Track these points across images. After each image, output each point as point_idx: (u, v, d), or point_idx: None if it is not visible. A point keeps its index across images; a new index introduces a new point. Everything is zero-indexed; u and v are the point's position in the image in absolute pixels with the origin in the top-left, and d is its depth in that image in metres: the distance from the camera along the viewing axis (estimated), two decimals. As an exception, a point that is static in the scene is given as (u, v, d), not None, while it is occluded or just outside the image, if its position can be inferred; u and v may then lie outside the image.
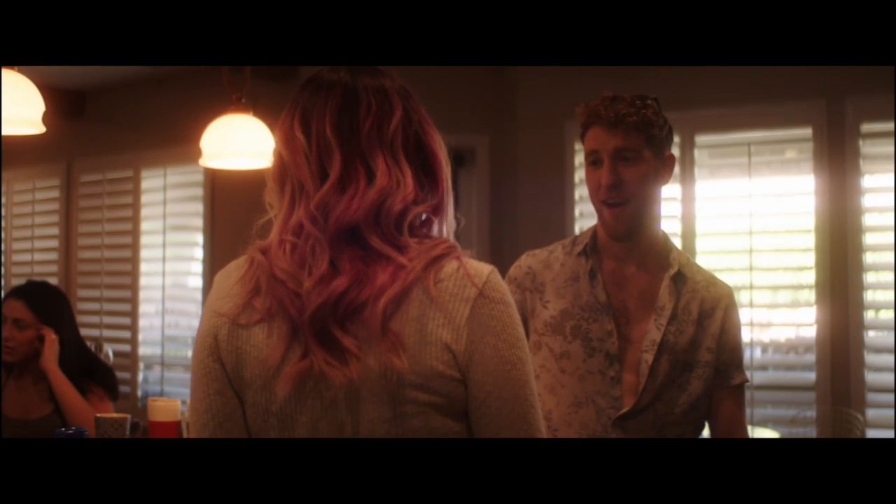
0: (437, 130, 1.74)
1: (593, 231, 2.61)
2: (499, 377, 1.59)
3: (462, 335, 1.57)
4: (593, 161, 2.50)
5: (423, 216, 1.67)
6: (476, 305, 1.59)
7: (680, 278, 2.54)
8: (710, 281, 2.59)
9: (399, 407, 1.57)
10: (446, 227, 1.71)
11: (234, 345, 1.64)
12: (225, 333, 1.64)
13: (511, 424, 1.60)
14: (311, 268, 1.59)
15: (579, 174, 5.95)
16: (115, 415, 3.44)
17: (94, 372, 4.09)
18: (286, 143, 1.69)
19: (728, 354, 2.54)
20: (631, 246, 2.54)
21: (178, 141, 6.47)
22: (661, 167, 2.51)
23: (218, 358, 1.65)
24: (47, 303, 4.07)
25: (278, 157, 1.70)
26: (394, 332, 1.56)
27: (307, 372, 1.57)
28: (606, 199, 2.48)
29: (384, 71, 1.74)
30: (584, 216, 5.99)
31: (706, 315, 2.53)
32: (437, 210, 1.69)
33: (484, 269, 1.64)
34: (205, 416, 1.67)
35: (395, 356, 1.55)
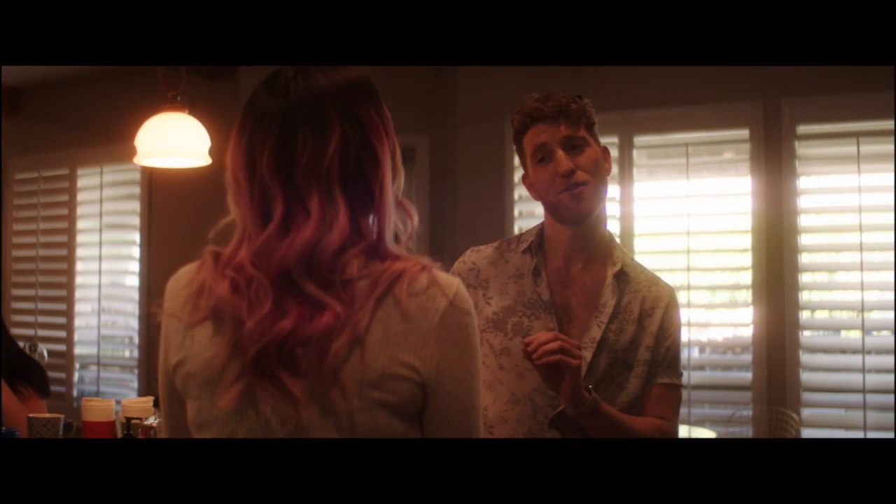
0: (387, 136, 1.68)
1: (539, 228, 2.61)
2: (461, 386, 1.60)
3: (430, 341, 1.58)
4: (542, 158, 2.49)
5: (368, 245, 1.61)
6: (446, 315, 1.59)
7: (623, 277, 2.54)
8: (653, 281, 2.59)
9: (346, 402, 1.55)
10: (392, 238, 1.65)
11: (182, 344, 1.64)
12: (173, 335, 1.66)
13: (458, 430, 1.61)
14: (255, 309, 1.56)
15: (519, 173, 5.94)
16: (47, 415, 3.38)
17: (24, 369, 3.99)
18: (233, 181, 1.66)
19: (664, 353, 2.54)
20: (578, 239, 2.52)
21: (115, 139, 6.40)
22: (602, 157, 2.52)
23: (172, 381, 1.67)
24: None
25: (230, 185, 1.67)
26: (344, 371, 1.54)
27: (249, 390, 1.57)
28: (566, 187, 2.46)
29: (328, 76, 1.68)
30: (524, 216, 6.02)
31: (647, 314, 2.54)
32: (380, 236, 1.63)
33: (453, 281, 1.63)
34: (173, 433, 1.73)
35: (341, 397, 1.54)
